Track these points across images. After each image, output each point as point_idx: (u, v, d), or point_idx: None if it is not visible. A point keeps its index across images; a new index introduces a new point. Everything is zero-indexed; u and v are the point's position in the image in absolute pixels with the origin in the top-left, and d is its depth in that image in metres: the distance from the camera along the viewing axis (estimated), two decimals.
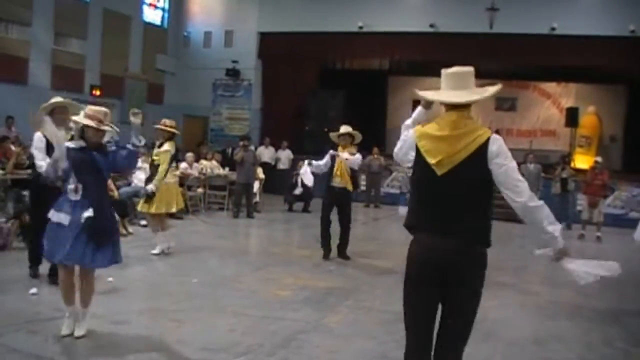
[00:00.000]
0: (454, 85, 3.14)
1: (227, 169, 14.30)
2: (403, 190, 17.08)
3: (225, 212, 13.30)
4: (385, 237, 11.56)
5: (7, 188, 9.00)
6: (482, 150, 2.97)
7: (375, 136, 19.82)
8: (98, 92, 17.16)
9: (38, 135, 5.77)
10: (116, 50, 18.03)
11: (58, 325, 4.74)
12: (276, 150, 17.90)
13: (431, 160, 3.04)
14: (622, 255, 9.67)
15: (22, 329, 4.64)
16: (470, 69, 3.16)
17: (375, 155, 17.04)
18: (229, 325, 5.14)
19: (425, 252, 3.12)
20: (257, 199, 13.85)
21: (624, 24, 15.84)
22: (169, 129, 8.13)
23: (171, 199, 8.26)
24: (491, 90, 3.12)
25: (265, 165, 16.17)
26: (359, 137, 8.73)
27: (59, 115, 5.56)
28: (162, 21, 20.51)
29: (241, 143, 13.23)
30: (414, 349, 3.26)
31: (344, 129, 8.66)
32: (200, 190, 13.24)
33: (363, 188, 17.29)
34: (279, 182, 15.97)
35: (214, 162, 14.28)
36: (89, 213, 4.41)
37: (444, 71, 3.20)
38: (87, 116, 4.62)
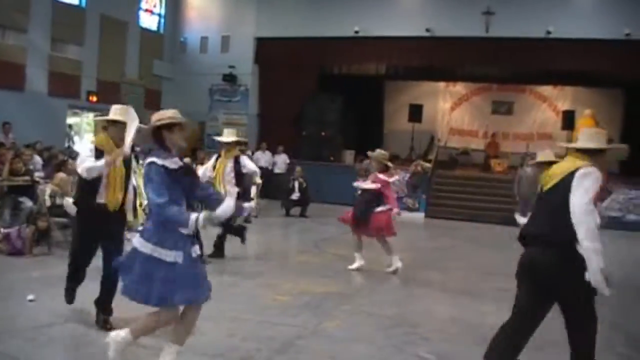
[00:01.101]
0: (582, 139, 3.82)
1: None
2: (400, 194, 17.05)
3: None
4: None
5: (3, 195, 8.96)
6: (570, 177, 3.59)
7: (373, 140, 19.85)
8: (95, 98, 17.18)
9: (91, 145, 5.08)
10: (113, 56, 18.04)
11: (55, 332, 4.74)
12: (273, 155, 17.90)
13: (541, 181, 3.86)
14: (620, 258, 9.70)
15: (19, 336, 4.62)
16: (602, 131, 3.87)
17: None
18: (227, 330, 5.12)
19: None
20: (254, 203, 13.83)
21: (620, 27, 15.89)
22: None
23: None
24: (607, 144, 3.78)
25: (261, 170, 16.12)
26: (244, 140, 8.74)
27: (120, 130, 4.96)
28: (159, 27, 20.55)
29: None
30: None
31: (229, 135, 8.51)
32: None
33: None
34: (276, 187, 15.96)
35: None
36: (198, 250, 4.00)
37: (581, 129, 4.07)
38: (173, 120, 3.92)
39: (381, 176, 8.08)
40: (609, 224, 13.74)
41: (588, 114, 17.97)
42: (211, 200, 4.08)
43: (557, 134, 19.44)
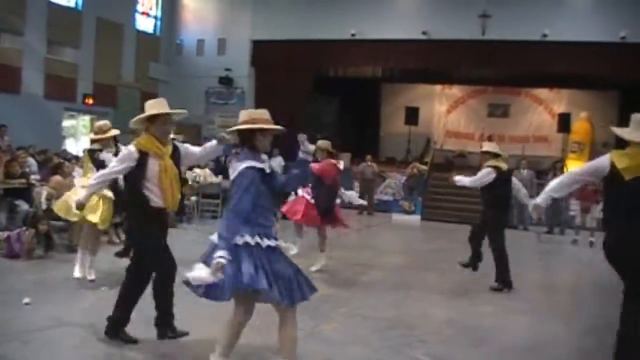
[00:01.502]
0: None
1: (220, 176, 14.27)
2: (396, 197, 17.08)
3: (219, 220, 13.24)
4: (379, 245, 11.56)
5: None
6: None
7: (369, 143, 19.93)
8: (91, 101, 17.17)
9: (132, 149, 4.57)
10: (109, 59, 18.03)
11: (51, 336, 4.72)
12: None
13: (620, 165, 4.08)
14: None
15: (15, 339, 4.60)
16: None
17: (369, 162, 17.05)
18: None
19: None
20: None
21: (615, 30, 15.97)
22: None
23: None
24: None
25: None
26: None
27: (162, 125, 4.65)
28: (155, 29, 20.54)
29: (234, 151, 13.16)
30: None
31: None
32: (193, 198, 13.21)
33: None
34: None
35: (207, 170, 14.25)
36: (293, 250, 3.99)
37: (634, 116, 4.23)
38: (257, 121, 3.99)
39: (334, 161, 7.91)
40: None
41: (584, 116, 18.14)
42: (295, 180, 4.43)
43: (553, 136, 19.52)
